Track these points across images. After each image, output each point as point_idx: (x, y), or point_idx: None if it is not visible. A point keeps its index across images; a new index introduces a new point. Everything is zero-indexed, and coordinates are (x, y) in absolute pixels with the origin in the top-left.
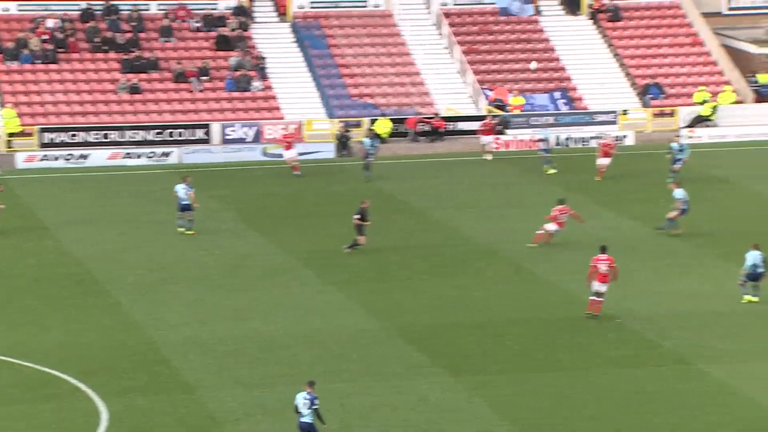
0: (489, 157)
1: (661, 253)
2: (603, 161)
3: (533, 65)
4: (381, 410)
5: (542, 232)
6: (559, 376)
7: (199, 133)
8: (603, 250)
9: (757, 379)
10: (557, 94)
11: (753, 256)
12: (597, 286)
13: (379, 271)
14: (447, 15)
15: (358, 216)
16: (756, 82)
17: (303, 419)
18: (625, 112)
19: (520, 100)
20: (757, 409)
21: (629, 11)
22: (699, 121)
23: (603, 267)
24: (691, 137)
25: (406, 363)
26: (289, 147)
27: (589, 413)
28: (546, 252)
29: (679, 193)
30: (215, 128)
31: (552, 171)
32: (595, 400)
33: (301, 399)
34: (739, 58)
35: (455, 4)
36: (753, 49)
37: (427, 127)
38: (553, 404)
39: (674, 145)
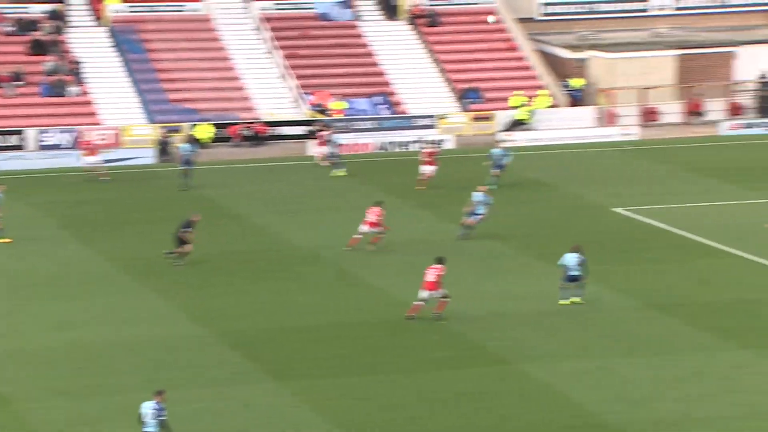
0: (326, 163)
1: (480, 254)
2: (426, 169)
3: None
4: (205, 417)
5: (359, 236)
6: (382, 378)
7: (13, 140)
8: (437, 260)
9: (574, 378)
10: (378, 99)
11: (569, 258)
12: (422, 293)
13: (200, 277)
14: (267, 19)
15: (187, 229)
16: (569, 86)
17: (146, 429)
18: (444, 117)
19: (342, 105)
20: (575, 408)
21: (447, 16)
22: (516, 124)
23: (430, 276)
24: (509, 141)
25: (229, 369)
26: (92, 153)
27: (412, 415)
28: (367, 255)
29: (479, 196)
30: (30, 134)
31: (340, 173)
32: (417, 401)
33: (148, 408)
34: (552, 62)
35: (275, 9)
36: (566, 54)
37: (249, 132)
38: (376, 407)
39: (495, 150)
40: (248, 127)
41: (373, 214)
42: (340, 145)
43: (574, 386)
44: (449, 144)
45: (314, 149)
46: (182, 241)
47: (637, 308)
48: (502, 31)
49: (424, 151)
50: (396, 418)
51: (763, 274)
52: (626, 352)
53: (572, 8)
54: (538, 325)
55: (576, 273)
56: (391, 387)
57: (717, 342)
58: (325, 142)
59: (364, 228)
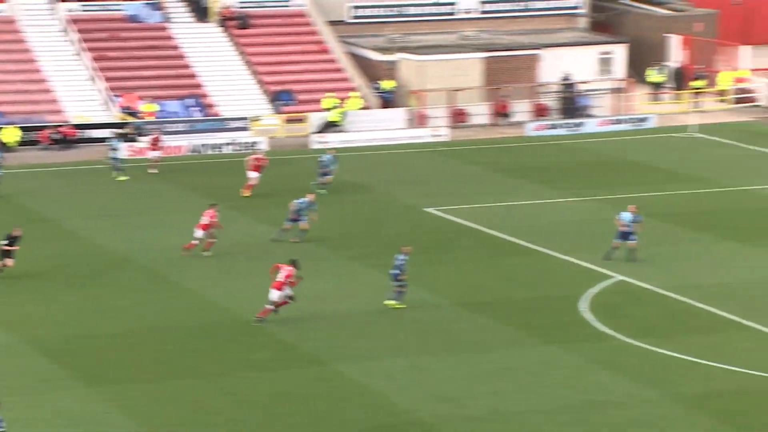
0: (155, 171)
1: (295, 256)
2: (253, 175)
3: None
4: (15, 426)
5: (195, 241)
6: (197, 382)
7: None
8: (290, 262)
9: (388, 377)
10: (190, 101)
11: (397, 258)
12: (271, 293)
13: (9, 283)
14: (75, 21)
15: (6, 242)
16: (379, 88)
17: None
18: (257, 119)
19: (153, 107)
20: (389, 406)
21: (258, 19)
22: (328, 126)
23: (279, 275)
24: (322, 142)
25: (40, 376)
26: None
27: (228, 417)
28: (182, 259)
29: (304, 202)
30: None
31: (123, 178)
32: (232, 403)
33: None
34: (363, 65)
35: (83, 11)
36: (376, 56)
37: (57, 135)
38: (192, 410)
39: (325, 157)
40: (57, 130)
41: (206, 217)
42: (117, 149)
43: (388, 385)
44: (263, 146)
45: (147, 153)
46: (6, 253)
47: (449, 306)
48: (313, 33)
49: (251, 157)
50: (212, 420)
51: (568, 271)
52: (438, 350)
53: (381, 11)
54: (353, 326)
55: (395, 272)
56: (206, 390)
57: (525, 338)
58: (156, 146)
59: (199, 233)
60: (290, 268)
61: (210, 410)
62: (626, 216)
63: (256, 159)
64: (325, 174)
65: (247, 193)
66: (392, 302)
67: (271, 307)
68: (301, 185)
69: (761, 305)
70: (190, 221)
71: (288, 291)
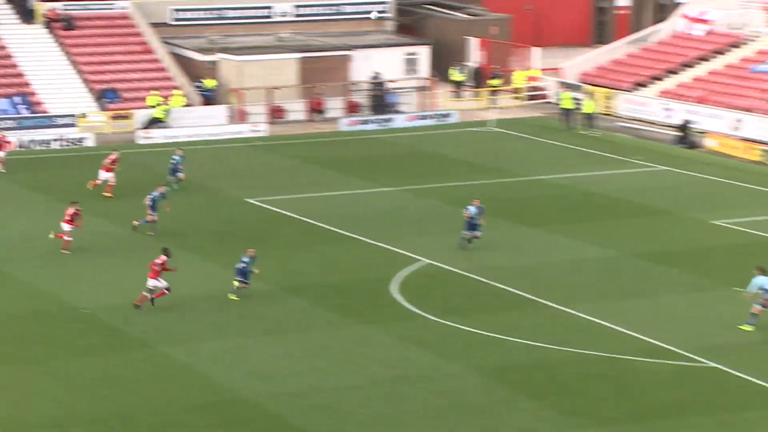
0: (2, 170)
1: (122, 247)
2: (105, 176)
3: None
4: None
5: (61, 234)
6: (27, 367)
7: None
8: (163, 251)
9: (212, 358)
10: (17, 99)
11: (241, 260)
12: (148, 282)
13: None
14: None
15: None
16: (202, 86)
17: None
18: (84, 115)
19: None
20: (214, 386)
21: (83, 21)
22: (153, 122)
23: (154, 266)
24: (147, 138)
25: None
26: None
27: (57, 400)
28: (11, 251)
29: (156, 194)
30: None
31: None
32: (62, 387)
33: None
34: (186, 64)
35: None
36: (197, 56)
37: None
38: (21, 395)
39: (176, 157)
40: None
41: (68, 214)
42: None
43: (212, 365)
44: (89, 142)
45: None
46: None
47: (270, 291)
48: (137, 35)
49: (108, 157)
50: (41, 404)
51: (379, 256)
52: (260, 331)
53: (202, 14)
54: (178, 311)
55: (241, 266)
56: (36, 374)
57: (341, 319)
58: (1, 146)
59: (66, 227)
60: (164, 257)
61: (40, 394)
62: (472, 209)
63: (111, 160)
64: (176, 172)
65: (107, 193)
66: (235, 296)
67: (147, 294)
68: (133, 178)
69: (553, 285)
70: (19, 215)
71: (162, 282)
